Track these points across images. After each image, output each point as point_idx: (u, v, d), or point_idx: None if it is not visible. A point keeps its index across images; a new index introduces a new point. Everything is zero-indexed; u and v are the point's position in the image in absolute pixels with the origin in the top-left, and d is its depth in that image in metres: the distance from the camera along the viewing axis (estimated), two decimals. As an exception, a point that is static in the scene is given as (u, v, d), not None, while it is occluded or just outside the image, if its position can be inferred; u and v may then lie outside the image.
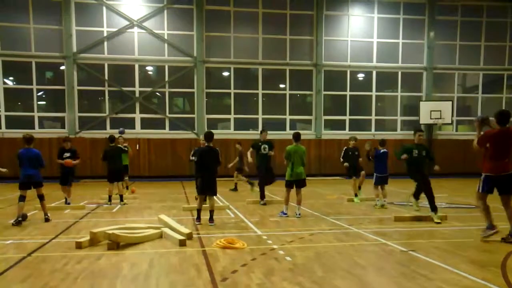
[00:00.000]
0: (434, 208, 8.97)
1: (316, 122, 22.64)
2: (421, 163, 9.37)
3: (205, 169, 8.70)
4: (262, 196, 11.57)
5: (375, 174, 11.14)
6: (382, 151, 11.04)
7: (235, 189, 14.96)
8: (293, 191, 9.65)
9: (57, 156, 11.15)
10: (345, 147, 12.39)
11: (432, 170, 9.67)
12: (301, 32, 22.57)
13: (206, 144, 8.87)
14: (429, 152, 9.68)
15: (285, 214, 9.58)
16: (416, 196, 10.17)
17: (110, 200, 11.54)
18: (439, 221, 8.84)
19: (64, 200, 11.47)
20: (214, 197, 8.97)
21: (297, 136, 9.69)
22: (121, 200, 11.63)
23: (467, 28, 23.71)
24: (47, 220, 9.00)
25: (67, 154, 11.02)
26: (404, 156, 9.37)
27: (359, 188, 12.28)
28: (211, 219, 8.60)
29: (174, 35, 21.47)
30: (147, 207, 11.25)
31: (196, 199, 9.88)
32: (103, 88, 21.15)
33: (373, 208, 10.86)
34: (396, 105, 23.65)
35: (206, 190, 8.74)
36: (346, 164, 12.02)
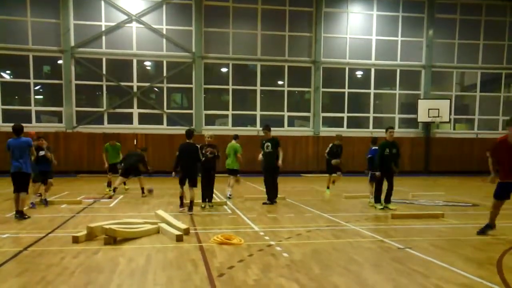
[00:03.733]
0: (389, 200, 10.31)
1: (314, 119, 22.65)
2: (390, 160, 10.22)
3: (186, 163, 9.52)
4: (268, 195, 11.01)
5: (369, 171, 11.15)
6: (373, 148, 11.07)
7: None
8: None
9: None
10: (331, 143, 13.13)
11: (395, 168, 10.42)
12: (300, 29, 22.54)
13: (186, 141, 9.65)
14: (399, 149, 10.42)
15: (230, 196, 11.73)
16: (379, 198, 10.47)
17: (114, 191, 12.24)
18: (394, 207, 10.11)
19: (38, 197, 10.82)
20: (195, 188, 9.54)
21: (235, 136, 12.34)
22: (114, 191, 12.30)
23: (466, 27, 23.74)
24: (20, 217, 8.43)
25: (42, 153, 10.52)
26: (378, 173, 10.23)
27: (333, 183, 13.48)
28: (190, 209, 9.32)
29: (173, 30, 21.40)
30: (145, 202, 11.24)
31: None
32: (101, 83, 21.09)
33: (368, 206, 10.88)
34: (394, 102, 23.67)
35: (187, 181, 9.58)
36: (335, 161, 12.90)
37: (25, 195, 8.63)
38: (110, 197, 11.88)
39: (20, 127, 8.70)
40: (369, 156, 11.03)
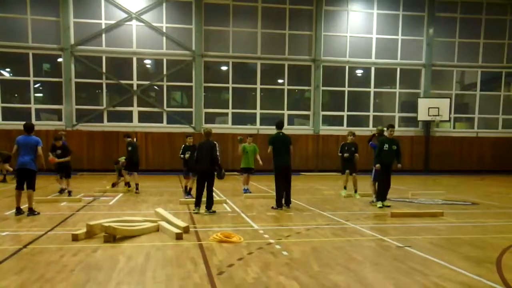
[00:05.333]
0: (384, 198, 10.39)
1: (314, 117, 22.64)
2: (390, 156, 10.29)
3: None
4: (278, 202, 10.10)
5: (373, 169, 11.05)
6: (372, 143, 11.08)
7: (4, 181, 15.03)
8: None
9: (49, 151, 11.62)
10: (343, 142, 12.63)
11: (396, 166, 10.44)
12: (300, 27, 22.51)
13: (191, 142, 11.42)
14: (399, 146, 10.45)
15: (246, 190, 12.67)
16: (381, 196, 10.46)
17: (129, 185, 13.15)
18: (389, 205, 10.28)
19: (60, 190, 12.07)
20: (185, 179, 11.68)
21: (247, 136, 13.22)
22: (113, 186, 13.37)
23: (466, 25, 23.72)
24: (31, 213, 8.64)
25: (59, 152, 11.56)
26: (377, 166, 10.33)
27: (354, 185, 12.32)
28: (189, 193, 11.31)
29: (173, 29, 21.38)
30: (144, 200, 11.25)
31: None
32: (101, 81, 21.07)
33: (369, 204, 10.84)
34: (394, 101, 23.65)
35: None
36: (346, 154, 12.19)
37: (32, 192, 8.74)
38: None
39: (31, 126, 9.00)
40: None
